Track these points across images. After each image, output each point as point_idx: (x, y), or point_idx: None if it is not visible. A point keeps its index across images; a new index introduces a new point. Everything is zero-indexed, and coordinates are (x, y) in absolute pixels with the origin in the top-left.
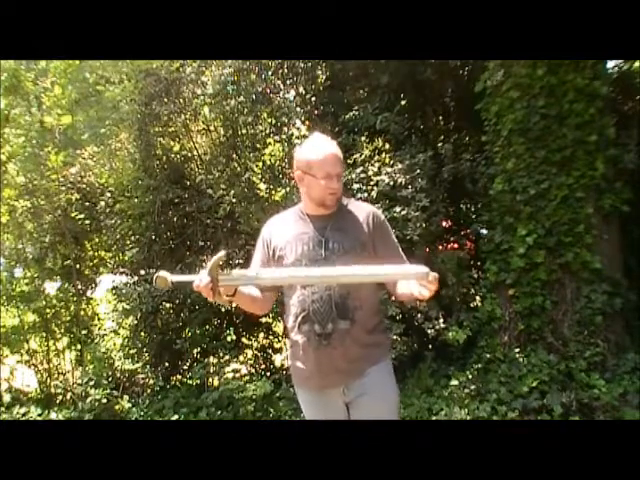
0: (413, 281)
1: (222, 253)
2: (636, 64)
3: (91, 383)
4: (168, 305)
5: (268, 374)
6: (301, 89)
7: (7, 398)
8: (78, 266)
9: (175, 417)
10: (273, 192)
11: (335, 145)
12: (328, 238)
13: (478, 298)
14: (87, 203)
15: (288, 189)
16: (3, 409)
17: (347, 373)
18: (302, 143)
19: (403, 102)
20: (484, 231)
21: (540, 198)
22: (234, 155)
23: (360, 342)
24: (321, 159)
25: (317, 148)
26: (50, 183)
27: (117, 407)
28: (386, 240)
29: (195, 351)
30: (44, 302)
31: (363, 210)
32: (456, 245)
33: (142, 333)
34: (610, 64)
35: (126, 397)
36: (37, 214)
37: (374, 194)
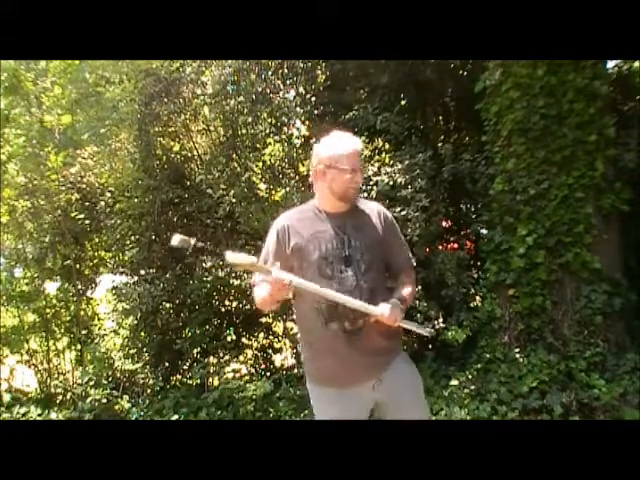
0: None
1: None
2: (636, 64)
3: (91, 383)
4: (168, 305)
5: (268, 374)
6: (301, 89)
7: (7, 398)
8: (78, 266)
9: (175, 417)
10: (273, 192)
11: (359, 141)
12: (350, 236)
13: (478, 298)
14: (87, 203)
15: (288, 189)
16: (3, 409)
17: (377, 367)
18: (321, 141)
19: (403, 102)
20: (484, 231)
21: (540, 198)
22: (234, 155)
23: (386, 335)
24: (349, 153)
25: (343, 142)
26: (50, 183)
27: (117, 407)
28: (396, 239)
29: (195, 351)
30: (44, 302)
31: (373, 209)
32: (456, 245)
33: (142, 333)
34: (610, 64)
35: (126, 397)
36: (37, 214)
37: (374, 194)
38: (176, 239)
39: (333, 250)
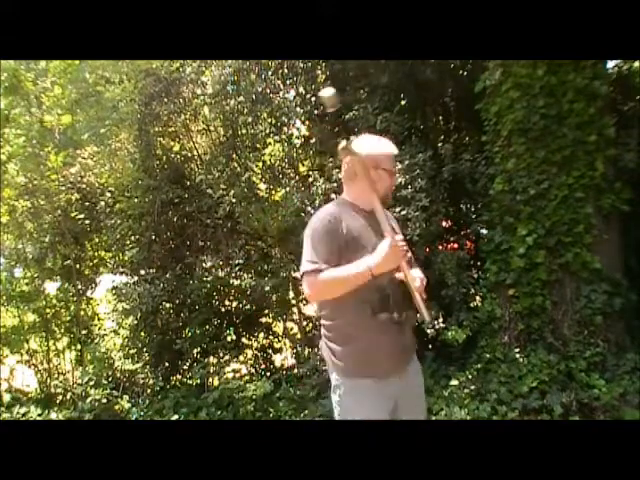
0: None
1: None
2: (636, 64)
3: (91, 383)
4: (168, 305)
5: (268, 374)
6: (301, 89)
7: (7, 398)
8: (78, 266)
9: (175, 417)
10: (273, 192)
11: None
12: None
13: (478, 298)
14: (87, 203)
15: (288, 189)
16: (3, 409)
17: (406, 361)
18: (358, 140)
19: (403, 102)
20: (484, 231)
21: (540, 198)
22: (234, 155)
23: (413, 329)
24: (392, 155)
25: (386, 145)
26: (50, 183)
27: (117, 407)
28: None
29: (195, 351)
30: (44, 302)
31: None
32: (456, 245)
33: (142, 333)
34: (610, 64)
35: (126, 397)
36: (37, 214)
37: None
38: (329, 91)
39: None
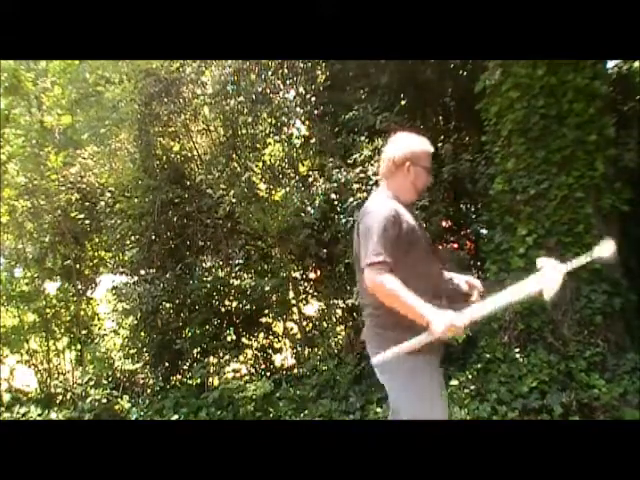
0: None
1: None
2: (636, 64)
3: (91, 383)
4: (168, 305)
5: (268, 374)
6: (301, 89)
7: (7, 398)
8: (78, 266)
9: (175, 417)
10: (273, 192)
11: None
12: (422, 226)
13: None
14: (87, 203)
15: (288, 189)
16: (3, 409)
17: None
18: (397, 137)
19: (403, 102)
20: (484, 231)
21: (540, 198)
22: (234, 155)
23: None
24: (430, 153)
25: (423, 143)
26: (50, 183)
27: (117, 407)
28: None
29: (195, 351)
30: (44, 302)
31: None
32: (456, 245)
33: (142, 333)
34: (610, 64)
35: (126, 397)
36: (37, 214)
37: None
38: (610, 246)
39: (426, 237)
